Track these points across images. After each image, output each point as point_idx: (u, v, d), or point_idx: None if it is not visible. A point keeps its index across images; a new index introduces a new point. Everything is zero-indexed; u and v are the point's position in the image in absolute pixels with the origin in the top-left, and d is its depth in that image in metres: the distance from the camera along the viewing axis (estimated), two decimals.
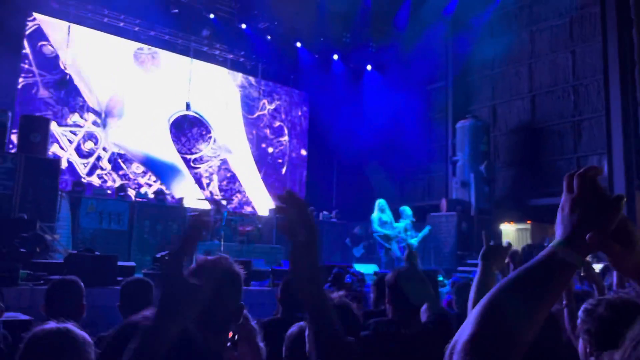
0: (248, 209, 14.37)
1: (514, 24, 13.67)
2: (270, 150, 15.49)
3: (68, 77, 11.86)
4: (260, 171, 15.10)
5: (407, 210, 10.47)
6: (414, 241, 10.13)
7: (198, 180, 13.70)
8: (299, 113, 16.26)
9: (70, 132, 11.85)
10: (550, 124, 12.72)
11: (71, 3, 11.66)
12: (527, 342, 0.74)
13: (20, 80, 11.20)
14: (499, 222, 12.25)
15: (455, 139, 13.13)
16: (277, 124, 15.73)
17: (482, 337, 0.72)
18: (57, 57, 11.80)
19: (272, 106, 15.67)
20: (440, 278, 8.30)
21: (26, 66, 11.36)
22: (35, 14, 11.48)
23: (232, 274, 1.44)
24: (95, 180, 11.92)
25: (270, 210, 12.68)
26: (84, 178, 11.58)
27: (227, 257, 1.48)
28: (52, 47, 11.78)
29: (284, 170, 15.68)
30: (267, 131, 15.49)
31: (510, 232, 12.19)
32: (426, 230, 10.45)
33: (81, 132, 12.01)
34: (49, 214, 7.96)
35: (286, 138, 15.87)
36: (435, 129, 14.99)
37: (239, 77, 15.00)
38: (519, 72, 13.47)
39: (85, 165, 11.96)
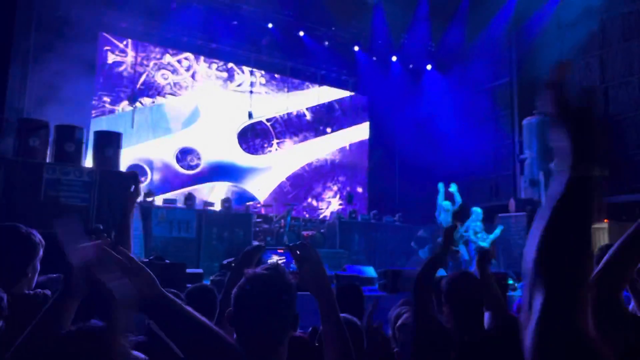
0: (310, 213, 14.47)
1: (581, 13, 13.01)
2: (331, 154, 15.53)
3: (137, 92, 12.44)
4: (322, 175, 15.18)
5: (477, 211, 10.14)
6: (484, 243, 9.83)
7: (262, 187, 13.95)
8: (359, 116, 16.21)
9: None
10: (626, 116, 11.99)
11: (138, 22, 12.21)
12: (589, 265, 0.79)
13: (94, 100, 11.87)
14: None
15: (522, 136, 12.65)
16: (337, 128, 15.76)
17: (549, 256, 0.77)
18: (125, 73, 12.41)
19: (332, 111, 15.73)
20: (510, 281, 8.00)
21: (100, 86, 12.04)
22: (105, 34, 12.15)
23: (285, 284, 1.43)
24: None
25: (332, 213, 12.70)
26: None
27: (279, 265, 1.49)
28: (121, 64, 12.39)
29: (343, 178, 15.66)
30: (328, 136, 15.55)
31: None
32: (498, 231, 10.08)
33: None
34: None
35: (347, 142, 15.86)
36: (500, 127, 14.50)
37: (299, 84, 15.16)
38: (589, 64, 12.80)
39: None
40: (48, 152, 8.50)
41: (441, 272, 9.04)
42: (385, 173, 15.61)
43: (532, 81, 13.99)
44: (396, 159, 15.66)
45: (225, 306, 1.48)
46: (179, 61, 13.23)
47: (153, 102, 12.73)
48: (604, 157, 0.81)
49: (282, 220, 11.38)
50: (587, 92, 0.81)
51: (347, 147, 15.84)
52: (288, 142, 14.74)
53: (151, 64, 12.78)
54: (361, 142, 16.12)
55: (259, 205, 12.82)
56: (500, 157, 14.31)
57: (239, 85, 14.11)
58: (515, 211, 11.55)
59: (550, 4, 13.20)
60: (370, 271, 8.95)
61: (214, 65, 13.78)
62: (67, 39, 10.33)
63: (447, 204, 10.47)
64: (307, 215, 14.10)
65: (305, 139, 15.08)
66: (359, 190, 15.76)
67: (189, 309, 1.23)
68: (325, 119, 15.56)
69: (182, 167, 12.89)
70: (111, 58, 12.29)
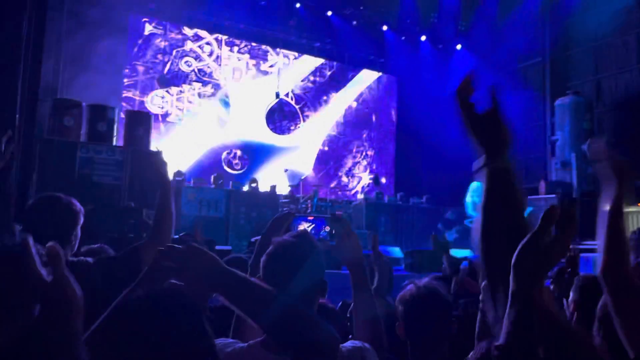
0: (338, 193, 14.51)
1: None
2: (359, 134, 15.49)
3: (169, 73, 12.60)
4: (349, 155, 15.18)
5: None
6: None
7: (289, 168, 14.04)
8: (387, 97, 16.08)
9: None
10: None
11: (167, 2, 12.29)
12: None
13: (125, 80, 12.07)
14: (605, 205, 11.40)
15: (554, 117, 12.38)
16: (365, 108, 15.68)
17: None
18: (157, 53, 12.57)
19: (360, 91, 15.63)
20: None
21: (130, 67, 12.22)
22: (133, 15, 12.30)
23: (313, 250, 1.46)
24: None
25: (363, 188, 12.71)
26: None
27: (307, 232, 1.52)
28: (154, 45, 12.54)
29: (371, 153, 15.63)
30: (356, 116, 15.49)
31: None
32: (526, 213, 9.93)
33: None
34: (153, 202, 8.50)
35: (374, 122, 15.79)
36: (531, 107, 14.19)
37: (327, 64, 15.10)
38: (626, 43, 12.39)
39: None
40: (81, 131, 8.71)
41: (468, 253, 8.98)
42: (412, 154, 15.51)
43: (565, 61, 13.64)
44: (423, 140, 15.52)
45: (254, 272, 1.52)
46: (200, 47, 13.30)
47: (181, 91, 12.86)
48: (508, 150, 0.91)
49: (309, 201, 11.44)
50: (491, 92, 0.99)
51: (374, 119, 15.75)
52: (316, 122, 14.73)
53: (174, 52, 12.87)
54: (389, 121, 16.02)
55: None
56: (531, 138, 14.04)
57: (270, 66, 14.15)
58: (545, 193, 11.37)
59: None
60: (397, 251, 8.98)
61: (235, 48, 13.80)
62: (98, 19, 10.51)
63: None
64: (339, 193, 14.22)
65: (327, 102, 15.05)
66: (385, 172, 15.72)
67: (253, 279, 1.25)
68: (352, 100, 15.50)
69: (228, 167, 13.18)
70: (147, 29, 12.47)
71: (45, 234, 2.03)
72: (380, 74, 15.83)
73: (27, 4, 3.26)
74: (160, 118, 12.32)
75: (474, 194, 9.99)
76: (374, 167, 15.48)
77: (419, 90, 14.71)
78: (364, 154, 15.50)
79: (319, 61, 14.90)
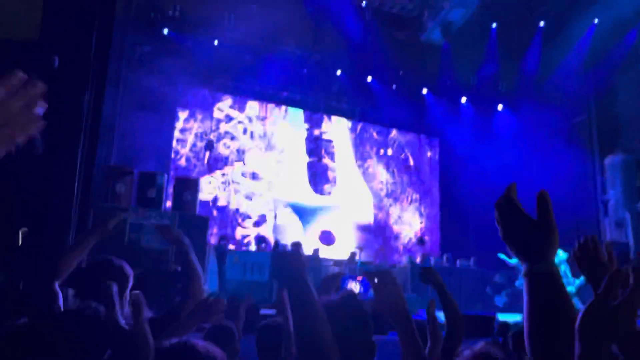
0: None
1: None
2: (403, 197, 15.42)
3: (212, 141, 13.10)
4: (391, 219, 15.06)
5: (561, 253, 9.58)
6: (571, 288, 9.25)
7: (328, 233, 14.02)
8: (429, 159, 16.07)
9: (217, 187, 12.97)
10: None
11: (215, 74, 12.95)
12: None
13: (174, 144, 12.62)
14: None
15: (605, 176, 12.02)
16: (408, 171, 15.69)
17: None
18: (203, 121, 13.15)
19: (403, 155, 15.71)
20: None
21: (177, 134, 12.80)
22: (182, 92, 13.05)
23: (358, 309, 1.45)
24: (238, 233, 12.80)
25: (402, 258, 12.48)
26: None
27: (353, 292, 1.51)
28: (198, 113, 13.14)
29: (418, 218, 15.46)
30: (400, 178, 15.49)
31: None
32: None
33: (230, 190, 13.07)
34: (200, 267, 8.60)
35: (418, 184, 15.72)
36: (580, 166, 13.84)
37: (369, 128, 15.34)
38: None
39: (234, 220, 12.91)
40: (132, 197, 9.04)
41: (519, 318, 8.58)
42: (457, 217, 15.25)
43: (612, 118, 13.38)
44: (470, 200, 15.30)
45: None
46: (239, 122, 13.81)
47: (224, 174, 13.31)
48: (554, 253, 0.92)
49: (352, 265, 11.36)
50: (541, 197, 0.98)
51: (419, 189, 15.69)
52: (357, 185, 14.80)
53: (211, 135, 13.39)
54: (432, 182, 15.91)
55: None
56: (581, 198, 13.61)
57: (321, 134, 14.53)
58: None
59: (628, 37, 12.72)
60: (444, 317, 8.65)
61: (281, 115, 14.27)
62: (148, 106, 11.19)
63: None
64: (383, 257, 14.05)
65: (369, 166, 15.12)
66: (433, 228, 15.46)
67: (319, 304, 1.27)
68: (395, 163, 15.57)
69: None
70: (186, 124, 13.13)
71: (97, 297, 2.09)
72: (421, 136, 15.92)
73: (89, 79, 3.51)
74: (210, 204, 12.72)
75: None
76: (421, 230, 15.27)
77: (462, 151, 14.65)
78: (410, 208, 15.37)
79: (364, 125, 15.19)
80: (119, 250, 7.80)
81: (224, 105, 13.55)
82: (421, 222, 15.47)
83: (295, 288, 1.23)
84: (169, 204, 10.13)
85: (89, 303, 1.81)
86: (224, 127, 13.52)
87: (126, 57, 11.34)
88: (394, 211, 15.15)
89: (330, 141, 14.72)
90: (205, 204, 12.09)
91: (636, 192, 11.12)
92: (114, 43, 4.34)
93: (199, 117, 13.19)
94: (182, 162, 12.77)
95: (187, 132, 12.98)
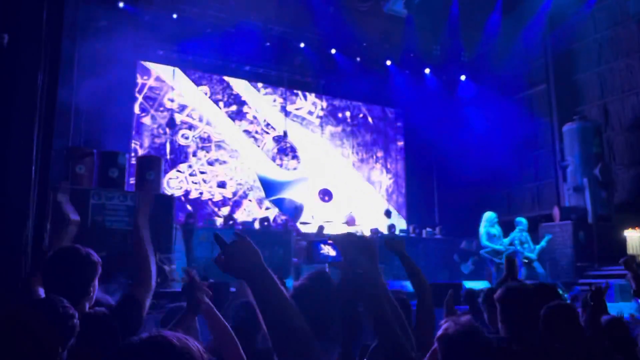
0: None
1: (618, 14, 12.70)
2: (368, 169, 15.52)
3: (174, 116, 12.79)
4: (360, 190, 15.18)
5: (522, 221, 9.89)
6: (532, 254, 9.56)
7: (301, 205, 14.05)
8: (394, 130, 16.17)
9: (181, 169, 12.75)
10: None
11: (175, 49, 12.60)
12: None
13: (134, 122, 12.30)
14: (622, 229, 11.24)
15: (563, 143, 12.35)
16: (373, 143, 15.76)
17: None
18: (163, 99, 12.82)
19: (367, 126, 15.75)
20: (560, 292, 7.76)
21: (137, 112, 12.46)
22: (142, 62, 12.61)
23: (328, 292, 1.45)
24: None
25: (372, 229, 12.63)
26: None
27: (324, 272, 1.51)
28: (159, 90, 12.80)
29: (383, 188, 15.62)
30: (363, 151, 15.56)
31: (636, 238, 11.13)
32: (544, 241, 9.77)
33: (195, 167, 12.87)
34: (166, 246, 8.52)
35: (382, 156, 15.83)
36: (539, 134, 14.20)
37: (332, 101, 15.28)
38: (629, 66, 12.45)
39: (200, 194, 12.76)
40: (93, 178, 8.81)
41: (485, 285, 8.83)
42: (423, 185, 15.49)
43: (570, 87, 13.70)
44: (434, 170, 15.53)
45: None
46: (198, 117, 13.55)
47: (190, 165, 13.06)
48: None
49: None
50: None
51: (383, 161, 15.80)
52: (322, 159, 14.81)
53: (187, 87, 13.10)
54: (398, 152, 16.05)
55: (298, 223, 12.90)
56: (541, 165, 14.00)
57: (273, 105, 14.36)
58: (560, 220, 11.25)
59: (586, 6, 12.94)
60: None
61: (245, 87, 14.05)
62: (106, 66, 10.76)
63: (496, 230, 9.99)
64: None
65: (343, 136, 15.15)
66: (399, 200, 15.65)
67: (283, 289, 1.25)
68: (359, 136, 15.60)
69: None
70: (149, 85, 12.73)
71: (65, 286, 2.04)
72: (386, 108, 15.98)
73: (42, 57, 3.36)
74: (182, 199, 12.50)
75: (487, 224, 9.89)
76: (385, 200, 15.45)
77: (426, 122, 14.79)
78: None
79: (327, 98, 15.11)
80: (83, 232, 7.63)
81: (175, 95, 13.11)
82: (390, 179, 15.64)
83: (255, 280, 1.20)
84: (132, 182, 9.93)
85: (50, 296, 1.79)
86: (179, 117, 13.07)
87: (80, 33, 10.88)
88: (363, 174, 15.27)
89: (296, 115, 14.62)
90: (177, 199, 11.73)
91: (593, 158, 11.47)
92: (66, 18, 4.15)
93: (159, 93, 12.85)
94: (145, 140, 12.48)
95: (147, 110, 12.66)
